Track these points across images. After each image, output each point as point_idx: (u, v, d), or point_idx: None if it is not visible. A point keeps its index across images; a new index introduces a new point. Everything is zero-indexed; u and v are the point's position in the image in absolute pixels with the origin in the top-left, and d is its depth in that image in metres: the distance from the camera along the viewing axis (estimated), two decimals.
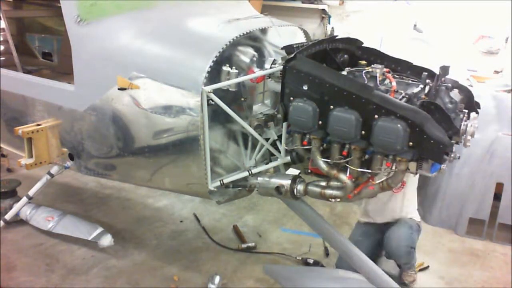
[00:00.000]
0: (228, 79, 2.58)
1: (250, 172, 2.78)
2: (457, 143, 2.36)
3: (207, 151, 2.58)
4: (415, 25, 6.13)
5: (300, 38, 3.30)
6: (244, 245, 4.07)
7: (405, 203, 3.65)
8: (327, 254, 4.03)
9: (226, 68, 2.59)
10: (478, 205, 4.46)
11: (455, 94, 2.59)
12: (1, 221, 3.85)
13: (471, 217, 4.50)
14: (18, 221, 4.03)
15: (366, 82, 2.51)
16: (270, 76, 2.68)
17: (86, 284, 3.49)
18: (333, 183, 2.51)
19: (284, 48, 2.72)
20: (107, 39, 2.90)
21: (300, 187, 2.61)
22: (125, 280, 3.56)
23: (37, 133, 3.16)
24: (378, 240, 3.68)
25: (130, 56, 2.80)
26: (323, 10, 6.89)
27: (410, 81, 2.65)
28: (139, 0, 3.05)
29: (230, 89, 2.60)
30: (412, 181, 3.63)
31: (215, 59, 2.53)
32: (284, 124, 2.61)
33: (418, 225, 3.65)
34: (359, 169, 2.35)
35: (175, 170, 2.82)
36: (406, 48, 5.33)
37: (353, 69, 2.68)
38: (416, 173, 2.34)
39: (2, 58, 4.59)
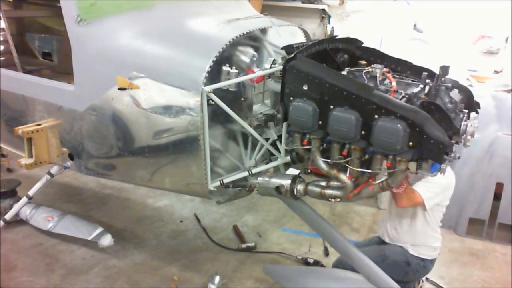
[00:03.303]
0: (228, 79, 2.58)
1: (250, 172, 2.77)
2: (457, 143, 2.36)
3: (207, 151, 2.58)
4: (415, 25, 6.12)
5: (300, 38, 3.30)
6: (244, 245, 4.08)
7: (414, 231, 3.10)
8: (327, 254, 4.03)
9: (226, 68, 2.59)
10: (478, 205, 4.47)
11: (455, 94, 2.59)
12: (1, 221, 3.86)
13: (471, 217, 4.50)
14: (18, 221, 4.04)
15: (366, 82, 2.51)
16: (270, 76, 2.68)
17: (86, 284, 3.49)
18: (333, 183, 2.51)
19: (284, 48, 2.72)
20: (107, 39, 2.90)
21: (300, 187, 2.61)
22: (125, 280, 3.56)
23: (37, 133, 3.16)
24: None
25: (130, 56, 2.79)
26: (323, 10, 6.89)
27: (410, 81, 2.65)
28: (139, 0, 3.05)
29: (230, 89, 2.60)
30: (421, 213, 3.08)
31: (215, 59, 2.53)
32: (284, 124, 2.61)
33: (406, 260, 3.08)
34: (359, 169, 2.35)
35: (175, 170, 2.82)
36: (406, 48, 5.33)
37: (353, 69, 2.67)
38: (416, 173, 2.33)
39: (2, 58, 4.59)
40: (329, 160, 2.42)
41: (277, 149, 2.80)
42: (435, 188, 2.96)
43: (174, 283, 3.55)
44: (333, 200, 2.52)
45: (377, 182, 2.40)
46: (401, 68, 2.78)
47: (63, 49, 5.11)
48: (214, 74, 2.57)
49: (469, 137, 2.37)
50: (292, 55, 2.48)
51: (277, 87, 2.59)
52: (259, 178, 2.72)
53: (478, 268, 4.04)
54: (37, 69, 4.94)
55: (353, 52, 2.90)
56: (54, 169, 3.57)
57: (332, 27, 6.93)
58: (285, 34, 3.08)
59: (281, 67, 2.51)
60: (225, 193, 2.89)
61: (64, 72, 4.59)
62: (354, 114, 2.25)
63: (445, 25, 6.03)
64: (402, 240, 3.15)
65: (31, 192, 3.75)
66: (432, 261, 3.21)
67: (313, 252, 4.06)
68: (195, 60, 2.64)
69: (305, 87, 2.37)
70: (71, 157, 3.27)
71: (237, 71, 2.59)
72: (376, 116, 2.21)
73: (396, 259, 3.14)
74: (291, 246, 4.15)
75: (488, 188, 4.41)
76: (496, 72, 5.92)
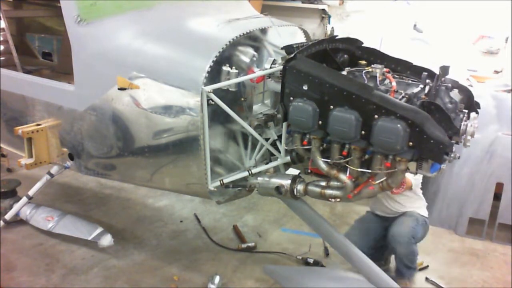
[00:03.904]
0: (228, 79, 2.58)
1: (250, 172, 2.77)
2: (457, 143, 2.36)
3: (207, 151, 2.58)
4: (415, 25, 6.13)
5: (300, 38, 3.30)
6: (244, 245, 4.07)
7: (411, 198, 3.65)
8: (327, 254, 4.03)
9: (226, 68, 2.59)
10: (478, 205, 4.47)
11: (455, 94, 2.59)
12: (1, 221, 3.86)
13: (471, 217, 4.50)
14: (18, 221, 4.03)
15: (366, 82, 2.51)
16: (270, 76, 2.68)
17: (86, 284, 3.49)
18: (333, 183, 2.51)
19: (284, 48, 2.72)
20: (107, 39, 2.90)
21: (300, 187, 2.61)
22: (125, 280, 3.56)
23: (37, 133, 3.16)
24: (379, 233, 3.70)
25: (130, 56, 2.79)
26: (323, 10, 6.89)
27: (410, 81, 2.65)
28: (139, 0, 3.05)
29: (230, 89, 2.60)
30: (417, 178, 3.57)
31: (215, 59, 2.53)
32: (284, 124, 2.61)
33: (425, 221, 3.63)
34: (359, 169, 2.35)
35: (175, 170, 2.82)
36: (406, 48, 5.33)
37: (353, 69, 2.68)
38: (416, 173, 2.33)
39: (2, 58, 4.59)
40: (329, 160, 2.42)
41: (277, 149, 2.80)
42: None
43: (174, 283, 3.55)
44: (333, 200, 2.52)
45: (377, 182, 2.40)
46: (401, 68, 2.78)
47: (63, 49, 5.11)
48: (214, 74, 2.57)
49: (469, 137, 2.37)
50: (292, 55, 2.48)
51: (277, 87, 2.59)
52: (259, 178, 2.72)
53: (478, 268, 4.04)
54: (37, 69, 4.94)
55: (353, 52, 2.90)
56: (54, 169, 3.57)
57: (332, 27, 6.93)
58: (285, 34, 3.08)
59: (281, 67, 2.51)
60: (225, 193, 2.89)
61: (64, 72, 4.59)
62: (354, 114, 2.25)
63: (445, 25, 6.03)
64: (408, 207, 3.63)
65: (31, 192, 3.75)
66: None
67: (313, 252, 4.05)
68: (195, 60, 2.64)
69: (305, 87, 2.38)
70: (71, 157, 3.27)
71: (237, 71, 2.59)
72: (376, 116, 2.21)
73: (422, 220, 3.60)
74: (291, 246, 4.15)
75: (488, 188, 4.41)
76: (496, 72, 5.93)
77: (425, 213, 3.70)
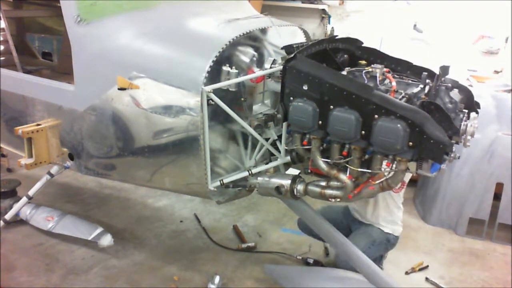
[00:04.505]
0: (228, 79, 2.58)
1: (250, 172, 2.77)
2: (457, 143, 2.36)
3: (207, 151, 2.58)
4: (415, 25, 6.13)
5: (300, 38, 3.30)
6: (244, 245, 4.08)
7: (375, 209, 3.54)
8: (327, 254, 4.03)
9: (226, 68, 2.59)
10: (478, 205, 4.47)
11: (455, 94, 2.59)
12: (1, 221, 3.86)
13: (471, 217, 4.50)
14: (18, 221, 4.04)
15: (366, 82, 2.51)
16: (270, 76, 2.68)
17: (86, 284, 3.49)
18: (333, 183, 2.51)
19: (284, 48, 2.72)
20: (107, 39, 2.90)
21: (300, 187, 2.61)
22: (125, 280, 3.56)
23: (37, 133, 3.16)
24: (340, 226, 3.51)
25: (130, 56, 2.79)
26: (323, 10, 6.89)
27: (410, 81, 2.65)
28: (139, 0, 3.05)
29: (230, 89, 2.60)
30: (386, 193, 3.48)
31: (215, 59, 2.53)
32: (284, 124, 2.61)
33: (387, 239, 3.55)
34: (359, 169, 2.35)
35: (175, 170, 2.82)
36: (406, 48, 5.33)
37: (353, 69, 2.67)
38: (416, 173, 2.33)
39: (2, 58, 4.59)
40: (329, 160, 2.42)
41: (277, 149, 2.80)
42: None
43: (174, 283, 3.55)
44: (333, 200, 2.52)
45: (377, 182, 2.40)
46: (401, 68, 2.78)
47: (63, 49, 5.11)
48: (214, 74, 2.57)
49: (469, 137, 2.37)
50: (292, 55, 2.48)
51: (277, 87, 2.59)
52: (259, 178, 2.72)
53: (478, 268, 4.04)
54: (37, 69, 4.94)
55: (353, 52, 2.90)
56: (54, 169, 3.57)
57: (332, 27, 6.93)
58: (285, 34, 3.08)
59: (281, 67, 2.51)
60: (225, 193, 2.89)
61: (64, 72, 4.59)
62: (354, 114, 2.25)
63: (445, 25, 6.03)
64: (379, 220, 3.56)
65: (31, 192, 3.75)
66: (399, 237, 3.66)
67: (313, 252, 4.06)
68: (195, 60, 2.64)
69: (305, 87, 2.37)
70: (71, 157, 3.27)
71: (237, 71, 2.59)
72: (376, 116, 2.21)
73: (381, 240, 3.53)
74: (291, 246, 4.15)
75: (488, 188, 4.41)
76: (496, 72, 5.93)
77: (393, 230, 3.57)
